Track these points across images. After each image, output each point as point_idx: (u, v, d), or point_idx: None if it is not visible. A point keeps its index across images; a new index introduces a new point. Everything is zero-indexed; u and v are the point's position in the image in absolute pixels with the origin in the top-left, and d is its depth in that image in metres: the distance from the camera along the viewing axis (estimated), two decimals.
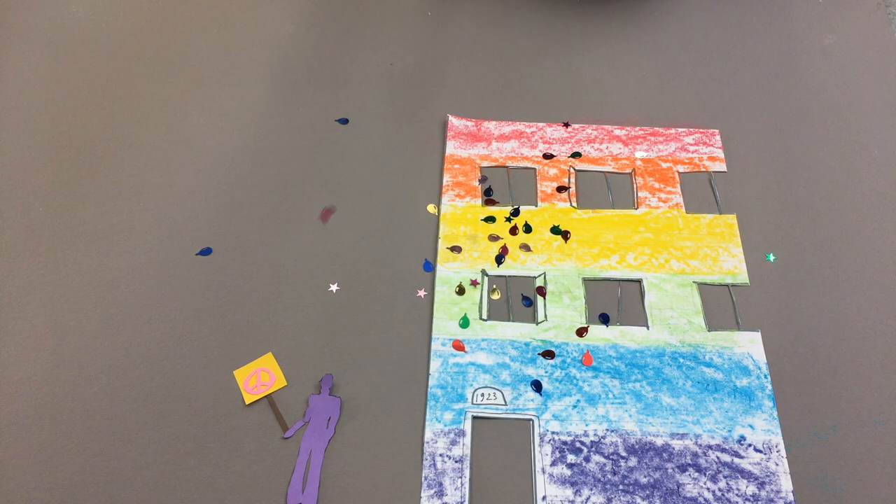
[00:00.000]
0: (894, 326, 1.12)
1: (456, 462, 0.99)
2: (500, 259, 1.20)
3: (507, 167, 1.33)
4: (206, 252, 1.21)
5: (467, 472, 0.98)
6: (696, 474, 0.98)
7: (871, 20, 1.57)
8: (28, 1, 1.64)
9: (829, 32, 1.56)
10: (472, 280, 1.17)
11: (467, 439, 1.01)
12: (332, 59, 1.52)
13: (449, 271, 1.18)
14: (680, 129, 1.38)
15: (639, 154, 1.34)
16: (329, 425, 1.02)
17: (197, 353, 1.10)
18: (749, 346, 1.09)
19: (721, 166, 1.32)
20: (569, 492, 0.96)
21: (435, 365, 1.08)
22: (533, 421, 1.02)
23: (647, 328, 1.12)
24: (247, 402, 1.05)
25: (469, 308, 1.14)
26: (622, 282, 1.18)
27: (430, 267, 1.17)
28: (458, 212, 1.26)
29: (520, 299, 1.15)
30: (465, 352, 1.09)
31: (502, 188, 1.30)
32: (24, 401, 1.05)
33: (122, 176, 1.32)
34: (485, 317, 1.13)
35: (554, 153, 1.35)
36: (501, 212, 1.26)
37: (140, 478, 0.98)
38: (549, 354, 1.08)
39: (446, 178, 1.30)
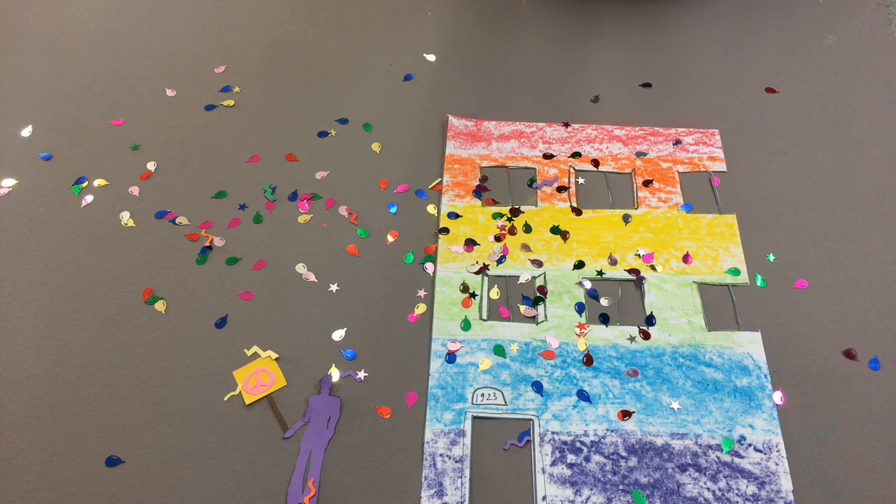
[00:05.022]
0: (893, 326, 1.12)
1: (456, 462, 0.99)
2: (500, 259, 1.20)
3: (507, 167, 1.33)
4: (204, 251, 1.21)
5: (467, 472, 0.98)
6: (697, 474, 0.97)
7: (871, 20, 1.57)
8: (28, 2, 1.64)
9: (828, 32, 1.56)
10: (482, 264, 1.17)
11: (467, 439, 1.01)
12: (333, 60, 1.52)
13: (449, 271, 1.18)
14: (680, 129, 1.38)
15: (639, 154, 1.34)
16: (329, 425, 1.02)
17: (197, 353, 1.10)
18: (749, 345, 1.09)
19: (721, 166, 1.32)
20: (569, 492, 0.96)
21: (435, 365, 1.08)
22: (533, 421, 1.02)
23: (648, 328, 1.12)
24: (247, 402, 1.04)
25: (468, 310, 1.14)
26: (622, 282, 1.18)
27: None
28: (458, 212, 1.26)
29: (520, 300, 1.15)
30: (458, 352, 1.09)
31: (502, 188, 1.30)
32: (24, 400, 1.05)
33: (121, 176, 1.32)
34: (485, 317, 1.13)
35: (554, 153, 1.35)
36: (502, 211, 1.26)
37: (140, 477, 0.98)
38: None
39: (446, 178, 1.30)
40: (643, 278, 1.17)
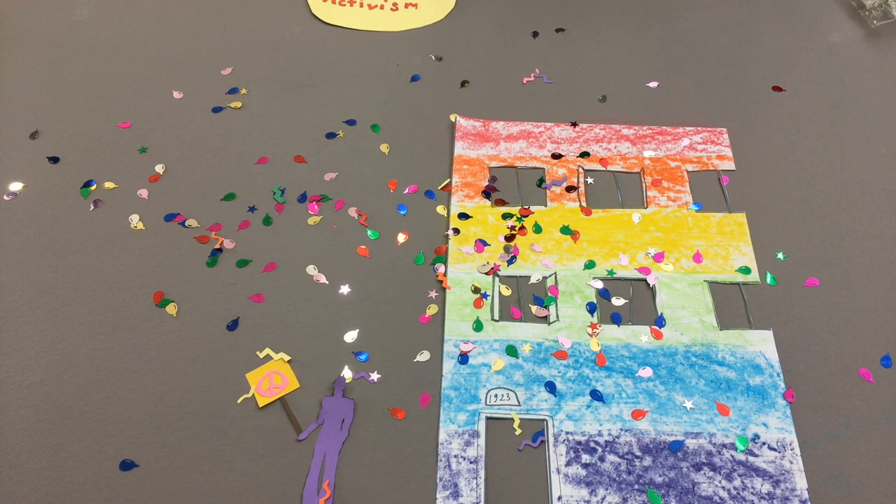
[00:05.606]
0: None
1: (471, 463, 0.99)
2: (510, 260, 1.20)
3: (515, 167, 1.33)
4: (215, 253, 1.21)
5: (482, 473, 0.98)
6: (711, 473, 0.98)
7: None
8: (31, 4, 1.64)
9: (834, 30, 1.56)
10: (493, 265, 1.17)
11: (481, 440, 1.01)
12: (339, 61, 1.52)
13: (460, 272, 1.18)
14: (688, 128, 1.38)
15: (647, 153, 1.34)
16: (343, 427, 1.02)
17: (209, 356, 1.09)
18: (761, 344, 1.10)
19: (729, 165, 1.33)
20: (584, 492, 0.96)
21: (448, 366, 1.08)
22: (547, 421, 1.03)
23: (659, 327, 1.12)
24: (260, 404, 1.04)
25: (480, 311, 1.14)
26: (633, 281, 1.18)
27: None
28: (468, 212, 1.26)
29: (531, 300, 1.16)
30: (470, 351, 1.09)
31: (511, 188, 1.30)
32: (36, 405, 1.05)
33: (130, 178, 1.32)
34: (496, 318, 1.13)
35: (562, 153, 1.35)
36: (511, 211, 1.26)
37: (155, 481, 0.98)
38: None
39: (455, 179, 1.30)
40: (654, 286, 1.17)
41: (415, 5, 1.47)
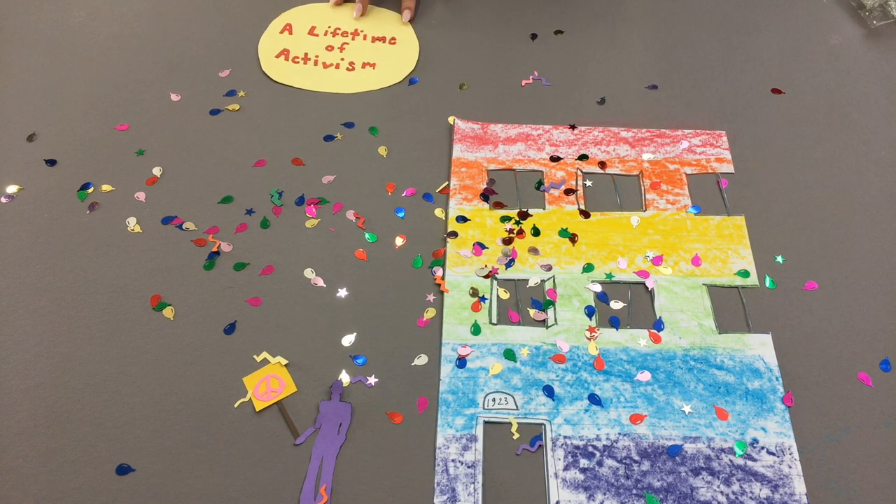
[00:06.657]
0: None
1: (468, 467, 0.98)
2: (509, 263, 1.19)
3: (514, 170, 1.33)
4: (212, 256, 1.21)
5: (480, 478, 0.97)
6: (710, 478, 0.97)
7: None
8: (29, 5, 1.63)
9: (834, 32, 1.56)
10: (491, 269, 1.16)
11: (479, 444, 1.00)
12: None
13: (458, 275, 1.18)
14: (687, 131, 1.38)
15: (646, 156, 1.34)
16: (340, 431, 1.02)
17: (206, 360, 1.09)
18: (760, 348, 1.09)
19: (728, 168, 1.32)
20: (582, 496, 0.96)
21: (445, 370, 1.07)
22: (545, 425, 1.02)
23: (658, 331, 1.12)
24: (257, 408, 1.04)
25: (478, 314, 1.13)
26: (632, 284, 1.17)
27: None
28: (466, 215, 1.26)
29: (529, 303, 1.15)
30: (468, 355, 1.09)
31: (510, 191, 1.30)
32: (32, 408, 1.04)
33: (127, 181, 1.31)
34: (495, 321, 1.13)
35: (561, 155, 1.34)
36: (510, 214, 1.26)
37: (151, 486, 0.97)
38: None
39: (453, 182, 1.30)
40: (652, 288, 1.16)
41: (372, 65, 1.43)
